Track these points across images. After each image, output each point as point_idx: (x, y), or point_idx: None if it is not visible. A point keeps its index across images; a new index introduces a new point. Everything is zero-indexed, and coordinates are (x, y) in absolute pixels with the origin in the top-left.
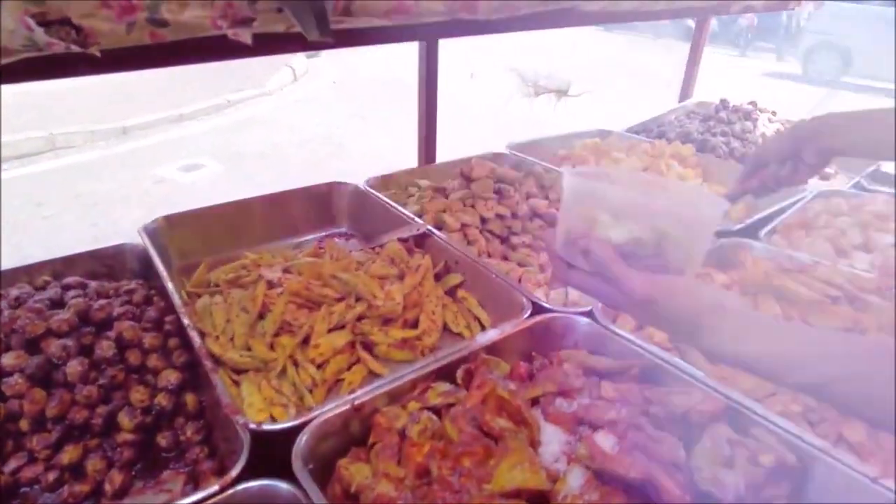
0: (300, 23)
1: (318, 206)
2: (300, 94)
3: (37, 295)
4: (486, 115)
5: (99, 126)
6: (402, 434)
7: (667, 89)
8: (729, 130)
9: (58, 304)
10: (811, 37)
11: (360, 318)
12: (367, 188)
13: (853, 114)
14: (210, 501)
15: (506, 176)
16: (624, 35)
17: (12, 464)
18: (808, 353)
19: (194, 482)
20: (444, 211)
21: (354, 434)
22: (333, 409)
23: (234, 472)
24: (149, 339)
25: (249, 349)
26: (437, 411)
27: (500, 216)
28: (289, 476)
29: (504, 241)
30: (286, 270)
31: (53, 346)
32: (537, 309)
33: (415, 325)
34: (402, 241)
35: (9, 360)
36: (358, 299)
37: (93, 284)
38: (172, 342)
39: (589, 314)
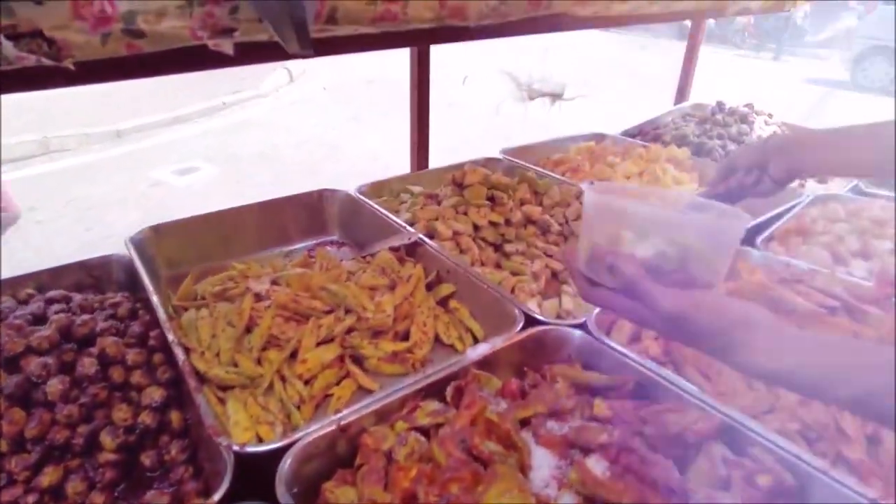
0: (280, 35)
1: (308, 213)
2: (296, 96)
3: (18, 310)
4: (481, 114)
5: (93, 129)
6: (389, 456)
7: (662, 91)
8: (725, 133)
9: (40, 319)
10: (861, 41)
11: (349, 331)
12: (358, 195)
13: (828, 131)
14: None
15: (499, 182)
16: (621, 35)
17: None
18: (852, 366)
19: (179, 503)
20: (436, 219)
21: (341, 454)
22: (319, 430)
23: (216, 497)
24: (132, 356)
25: (236, 365)
26: (425, 431)
27: (493, 223)
28: (274, 500)
29: (497, 248)
30: (274, 282)
31: (33, 365)
32: (530, 321)
33: (406, 336)
34: (394, 250)
35: None
36: (347, 311)
37: (77, 297)
38: (157, 358)
39: (582, 326)
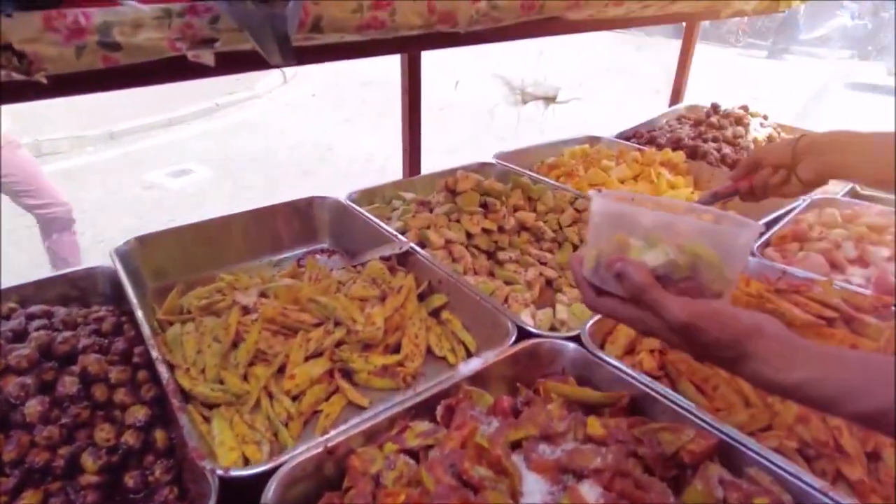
0: (261, 46)
1: (298, 221)
2: (290, 98)
3: None
4: (474, 118)
5: (86, 132)
6: (378, 480)
7: (657, 93)
8: (720, 136)
9: (20, 335)
10: None
11: (338, 344)
12: (349, 203)
13: (867, 134)
14: None
15: (492, 189)
16: (616, 35)
17: None
18: (866, 379)
19: None
20: (428, 227)
21: (329, 476)
22: (305, 451)
23: None
24: (116, 373)
25: (222, 381)
26: (415, 453)
27: (486, 231)
28: None
29: (491, 256)
30: (263, 294)
31: (11, 385)
32: (523, 333)
33: (397, 349)
34: (385, 259)
35: None
36: (337, 324)
37: (60, 312)
38: (141, 375)
39: (576, 339)
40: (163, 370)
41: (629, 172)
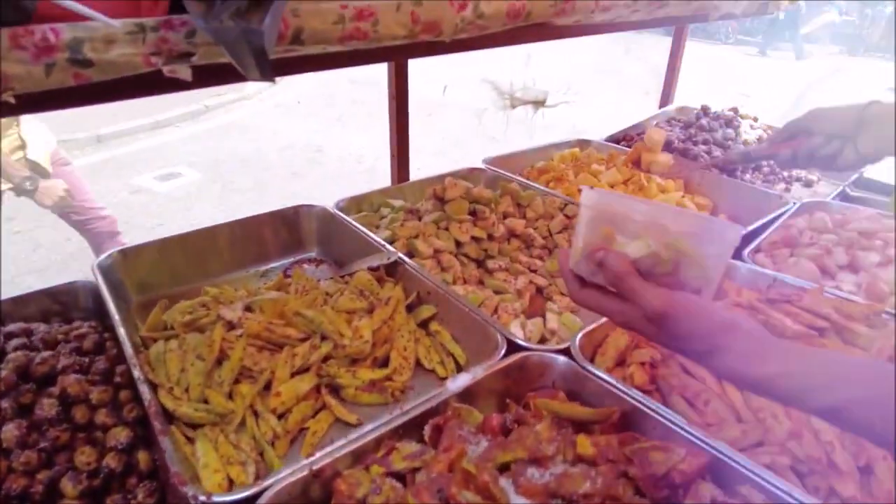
0: (238, 62)
1: (285, 230)
2: (280, 99)
3: None
4: (463, 122)
5: (72, 135)
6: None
7: (647, 94)
8: (710, 138)
9: None
10: None
11: (325, 359)
12: (336, 211)
13: None
14: None
15: (480, 196)
16: (604, 36)
17: None
18: (828, 377)
19: None
20: (417, 236)
21: (315, 499)
22: (290, 475)
23: None
24: (97, 394)
25: (206, 400)
26: (402, 476)
27: (475, 239)
28: None
29: (480, 264)
30: (248, 308)
31: None
32: (512, 346)
33: (385, 362)
34: (373, 270)
35: None
36: (324, 338)
37: (40, 330)
38: (124, 395)
39: (566, 352)
40: (145, 390)
41: (619, 177)
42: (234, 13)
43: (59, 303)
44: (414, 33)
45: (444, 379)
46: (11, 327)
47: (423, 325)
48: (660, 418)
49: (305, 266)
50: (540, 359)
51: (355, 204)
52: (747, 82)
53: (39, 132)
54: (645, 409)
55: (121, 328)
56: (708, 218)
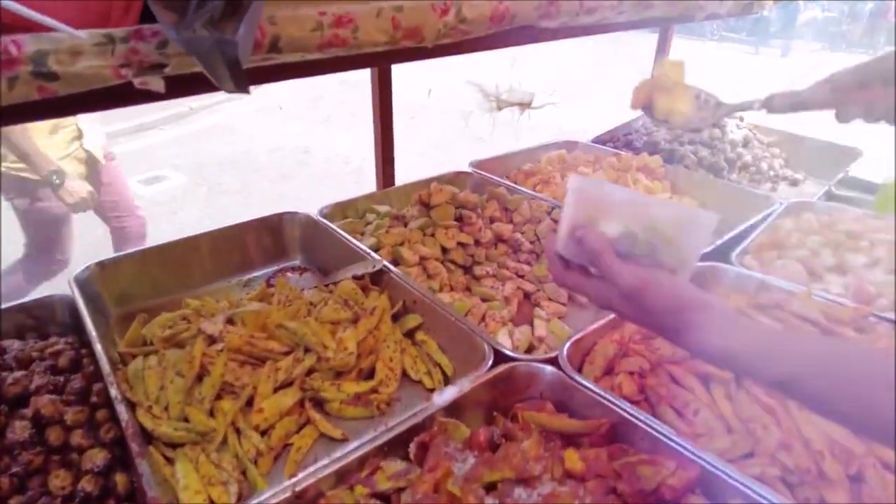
0: (211, 73)
1: (268, 238)
2: (266, 100)
3: None
4: (452, 115)
5: None
6: None
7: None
8: (697, 138)
9: None
10: None
11: (309, 373)
12: (320, 218)
13: None
14: None
15: (467, 201)
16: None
17: None
18: (781, 350)
19: None
20: (402, 243)
21: None
22: (272, 497)
23: None
24: (71, 415)
25: (186, 419)
26: (386, 496)
27: (462, 244)
28: None
29: (467, 270)
30: (230, 320)
31: None
32: (500, 355)
33: (371, 373)
34: (357, 278)
35: None
36: (307, 351)
37: (14, 347)
38: (100, 415)
39: (554, 360)
40: (122, 410)
41: (606, 179)
42: (208, 22)
43: (34, 317)
44: (395, 39)
45: (431, 390)
46: None
47: (410, 334)
48: (649, 429)
49: (289, 274)
50: (527, 369)
51: (340, 210)
52: (734, 79)
53: (94, 123)
54: (634, 420)
55: (97, 344)
56: (686, 206)
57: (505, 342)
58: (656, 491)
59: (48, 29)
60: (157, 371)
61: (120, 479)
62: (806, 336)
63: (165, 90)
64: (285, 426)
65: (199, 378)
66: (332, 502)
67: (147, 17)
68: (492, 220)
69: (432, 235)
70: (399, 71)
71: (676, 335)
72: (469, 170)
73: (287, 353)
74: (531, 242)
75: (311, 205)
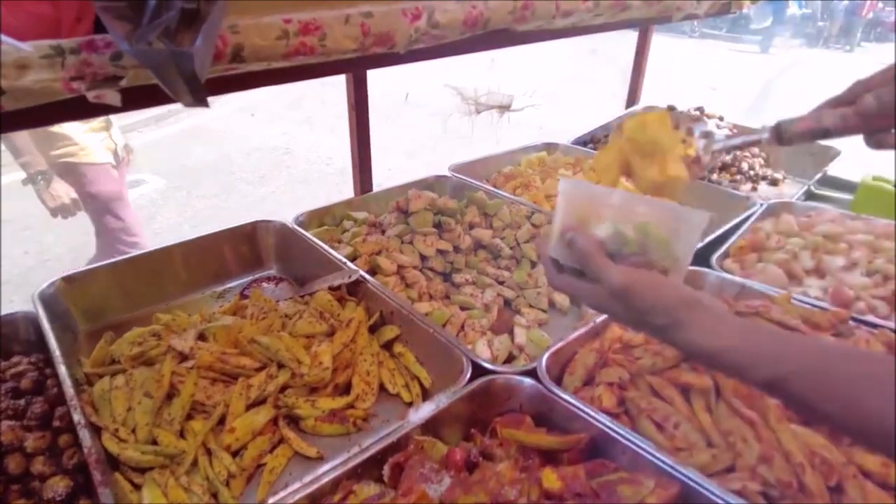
0: (168, 87)
1: (242, 248)
2: (245, 101)
3: None
4: (427, 129)
5: None
6: None
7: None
8: None
9: None
10: None
11: (283, 389)
12: (295, 227)
13: None
14: None
15: (445, 207)
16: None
17: None
18: (770, 351)
19: None
20: (379, 252)
21: None
22: None
23: None
24: (32, 441)
25: (155, 441)
26: None
27: (441, 251)
28: None
29: (447, 278)
30: (201, 335)
31: None
32: (478, 368)
33: (347, 388)
34: (334, 289)
35: None
36: (281, 366)
37: None
38: (63, 440)
39: (533, 373)
40: (84, 436)
41: (586, 181)
42: (163, 34)
43: None
44: (365, 46)
45: (409, 404)
46: None
47: (387, 346)
48: (629, 444)
49: (264, 285)
50: (506, 382)
51: (317, 217)
52: (714, 74)
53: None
54: (614, 434)
55: (61, 366)
56: (676, 205)
57: (484, 352)
58: None
59: None
60: (124, 392)
61: None
62: (794, 335)
63: (122, 103)
64: (258, 446)
65: (169, 397)
66: None
67: (102, 26)
68: (471, 226)
69: (410, 243)
70: (378, 72)
71: (664, 334)
72: (448, 173)
73: (260, 370)
74: (511, 248)
75: (291, 208)
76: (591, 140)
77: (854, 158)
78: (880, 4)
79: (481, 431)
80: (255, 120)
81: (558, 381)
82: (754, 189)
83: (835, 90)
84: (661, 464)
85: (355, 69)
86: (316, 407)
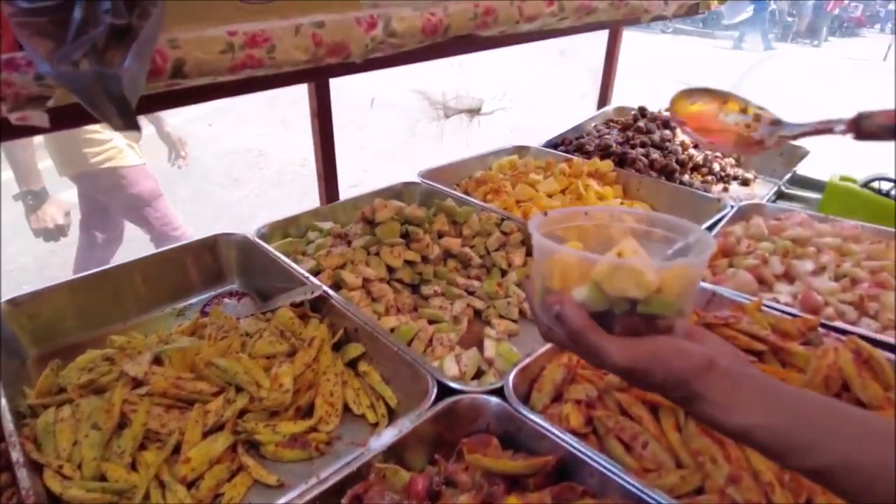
0: (96, 111)
1: (203, 262)
2: (218, 103)
3: None
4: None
5: None
6: None
7: (586, 95)
8: (648, 140)
9: None
10: None
11: (242, 414)
12: (257, 239)
13: None
14: None
15: (413, 216)
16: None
17: None
18: (812, 434)
19: None
20: (344, 266)
21: None
22: None
23: None
24: None
25: (104, 476)
26: None
27: (409, 262)
28: None
29: (415, 289)
30: (157, 359)
31: None
32: (444, 387)
33: (310, 410)
34: (297, 305)
35: None
36: (239, 390)
37: None
38: (3, 479)
39: (500, 391)
40: (23, 476)
41: (557, 186)
42: (90, 53)
43: None
44: (318, 57)
45: (374, 424)
46: None
47: (352, 364)
48: (596, 465)
49: (226, 300)
50: (472, 402)
51: (281, 228)
52: (687, 72)
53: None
54: (581, 455)
55: (1, 398)
56: (686, 263)
57: (452, 369)
58: None
59: None
60: (70, 424)
61: None
62: (842, 410)
63: (51, 123)
64: (215, 475)
65: (121, 427)
66: None
67: None
68: (440, 235)
69: (377, 254)
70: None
71: (686, 405)
72: (418, 180)
73: (218, 394)
74: (481, 257)
75: (267, 211)
76: (563, 142)
77: (822, 158)
78: (846, 0)
79: (448, 453)
80: (227, 122)
81: (527, 398)
82: (725, 189)
83: (803, 85)
84: (628, 486)
85: (312, 79)
86: (277, 432)
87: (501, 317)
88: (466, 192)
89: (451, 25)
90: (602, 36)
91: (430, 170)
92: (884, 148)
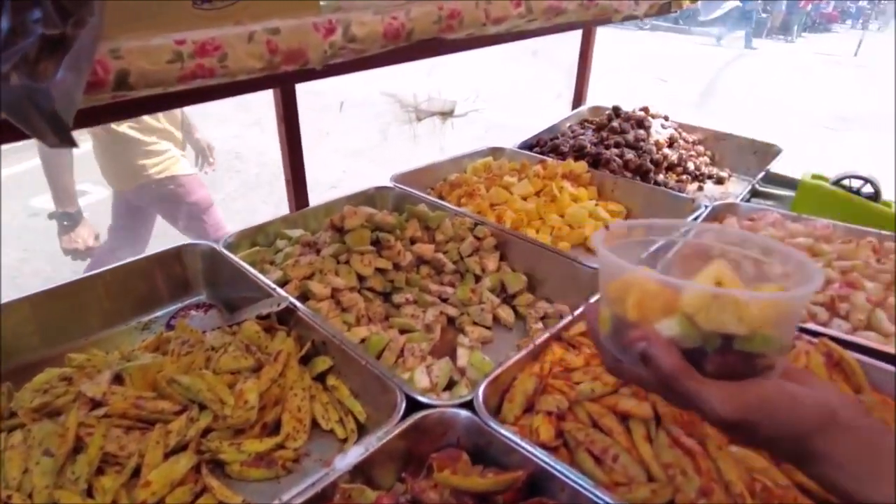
0: (28, 128)
1: (170, 273)
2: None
3: None
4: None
5: None
6: None
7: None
8: (622, 140)
9: None
10: None
11: (206, 433)
12: (222, 249)
13: None
14: None
15: (384, 222)
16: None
17: None
18: None
19: None
20: (312, 276)
21: None
22: None
23: None
24: None
25: None
26: None
27: (380, 270)
28: None
29: (387, 297)
30: (117, 377)
31: None
32: (413, 401)
33: (277, 428)
34: (262, 318)
35: None
36: (203, 408)
37: None
38: None
39: (470, 404)
40: None
41: (531, 188)
42: (20, 64)
43: None
44: (274, 64)
45: (343, 440)
46: None
47: (320, 378)
48: (567, 480)
49: (193, 313)
50: (441, 416)
51: (248, 236)
52: (664, 67)
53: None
54: (552, 469)
55: None
56: (793, 297)
57: (423, 380)
58: None
59: None
60: (20, 451)
61: None
62: None
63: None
64: (178, 498)
65: (76, 452)
66: None
67: None
68: (412, 241)
69: (347, 262)
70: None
71: (803, 465)
72: (390, 184)
73: (181, 413)
74: (455, 262)
75: (247, 215)
76: (538, 143)
77: (795, 156)
78: None
79: (417, 469)
80: (203, 124)
81: (498, 410)
82: (701, 188)
83: (778, 81)
84: (599, 501)
85: (271, 86)
86: (242, 450)
87: (475, 324)
88: (441, 196)
89: (415, 29)
90: (576, 35)
91: (403, 174)
92: (856, 146)
